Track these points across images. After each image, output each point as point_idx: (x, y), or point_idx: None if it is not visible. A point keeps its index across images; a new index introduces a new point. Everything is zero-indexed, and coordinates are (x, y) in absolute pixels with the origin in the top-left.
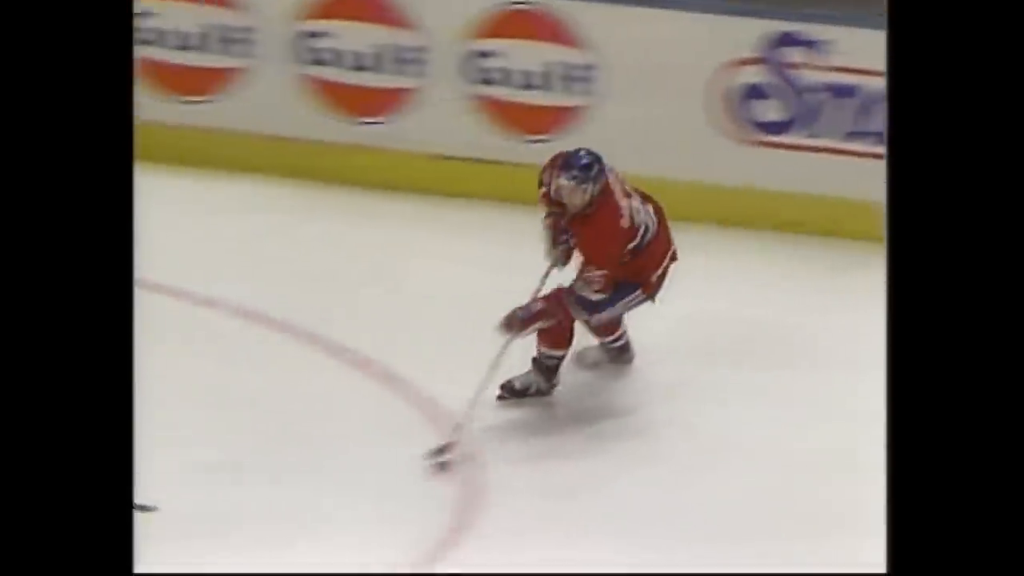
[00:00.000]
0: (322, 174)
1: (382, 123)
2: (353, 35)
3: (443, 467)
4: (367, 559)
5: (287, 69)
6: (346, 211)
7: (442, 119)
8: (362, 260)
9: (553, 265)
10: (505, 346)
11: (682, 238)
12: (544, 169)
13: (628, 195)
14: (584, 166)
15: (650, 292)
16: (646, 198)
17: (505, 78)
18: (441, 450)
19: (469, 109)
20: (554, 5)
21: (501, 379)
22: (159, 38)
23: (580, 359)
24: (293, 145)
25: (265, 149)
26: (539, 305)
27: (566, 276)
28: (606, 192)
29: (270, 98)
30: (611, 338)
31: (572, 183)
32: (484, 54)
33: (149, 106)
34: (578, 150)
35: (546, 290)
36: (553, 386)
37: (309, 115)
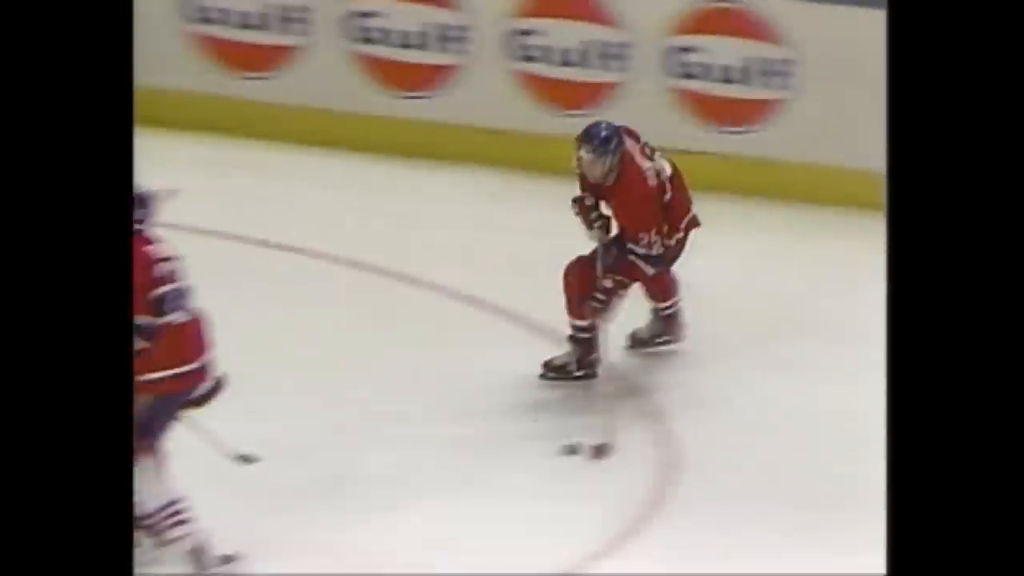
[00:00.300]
0: (535, 165)
1: (587, 115)
2: (562, 32)
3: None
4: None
5: (501, 65)
6: (555, 199)
7: (644, 112)
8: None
9: (600, 242)
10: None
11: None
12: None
13: (648, 157)
14: (604, 139)
15: (669, 254)
16: (667, 162)
17: (705, 72)
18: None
19: (669, 102)
20: (753, 3)
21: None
22: (384, 37)
23: (634, 338)
24: (505, 137)
25: (480, 141)
26: (609, 281)
27: None
28: (626, 160)
29: (485, 93)
30: (665, 304)
31: (591, 156)
32: (685, 49)
33: (375, 101)
34: (598, 122)
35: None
36: (595, 363)
37: (522, 108)
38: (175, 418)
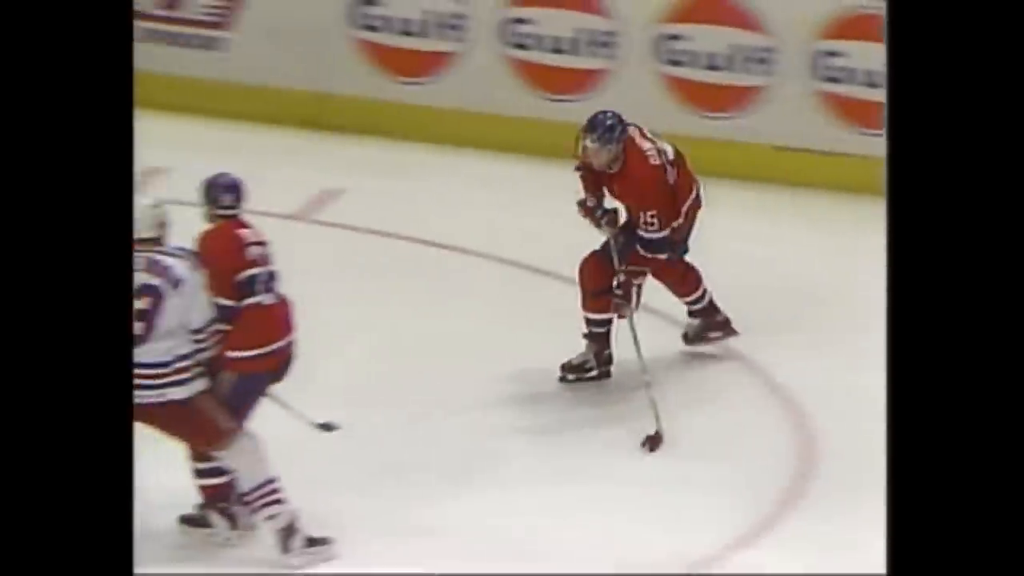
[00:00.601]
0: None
1: (732, 118)
2: (707, 37)
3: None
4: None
5: (649, 68)
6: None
7: (787, 114)
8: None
9: (610, 235)
10: (633, 323)
11: None
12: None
13: (649, 139)
14: (608, 127)
15: (673, 235)
16: (670, 147)
17: (849, 76)
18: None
19: (814, 105)
20: None
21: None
22: (537, 42)
23: (686, 337)
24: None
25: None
26: (623, 276)
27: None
28: (628, 144)
29: (632, 96)
30: (690, 298)
31: (596, 144)
32: (831, 54)
33: (528, 104)
34: (602, 111)
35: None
36: (609, 360)
37: (668, 111)
38: (261, 397)
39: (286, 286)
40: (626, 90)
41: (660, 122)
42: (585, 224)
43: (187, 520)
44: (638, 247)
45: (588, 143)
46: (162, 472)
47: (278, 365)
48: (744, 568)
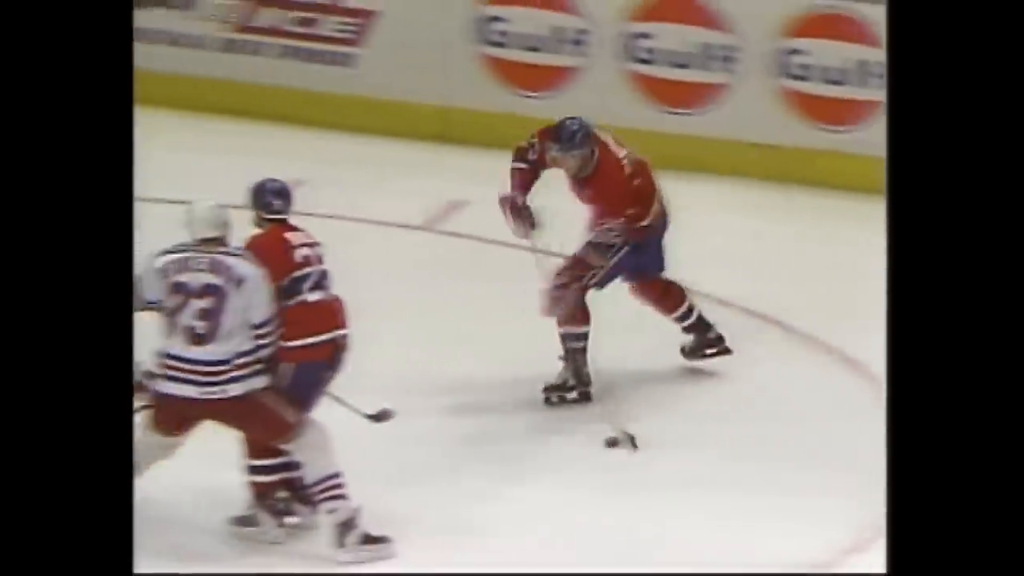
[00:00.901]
0: (797, 177)
1: (852, 131)
2: (828, 52)
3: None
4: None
5: (768, 82)
6: (817, 211)
7: (750, 110)
8: (827, 255)
9: (525, 236)
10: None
11: None
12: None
13: (622, 146)
14: (570, 135)
15: (634, 236)
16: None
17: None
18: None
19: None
20: None
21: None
22: (656, 57)
23: (684, 351)
24: (771, 151)
25: (745, 154)
26: (564, 277)
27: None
28: (603, 150)
29: (751, 109)
30: (678, 312)
31: (560, 154)
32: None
33: (648, 117)
34: (566, 119)
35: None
36: (588, 382)
37: (788, 124)
38: (319, 390)
39: (412, 293)
40: (746, 102)
41: (777, 135)
42: (692, 233)
43: (238, 520)
44: (591, 249)
45: (555, 153)
46: (211, 472)
47: (332, 354)
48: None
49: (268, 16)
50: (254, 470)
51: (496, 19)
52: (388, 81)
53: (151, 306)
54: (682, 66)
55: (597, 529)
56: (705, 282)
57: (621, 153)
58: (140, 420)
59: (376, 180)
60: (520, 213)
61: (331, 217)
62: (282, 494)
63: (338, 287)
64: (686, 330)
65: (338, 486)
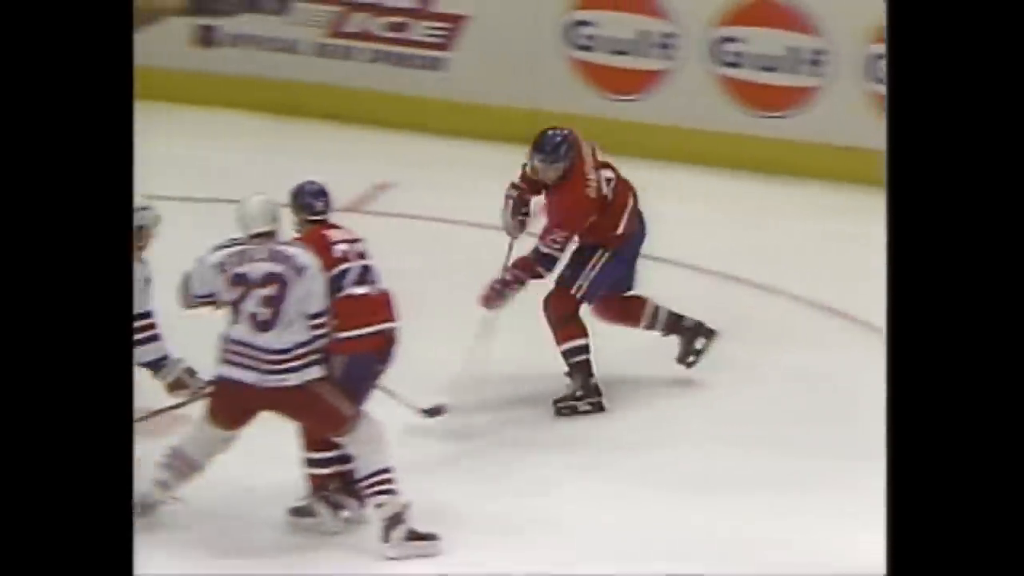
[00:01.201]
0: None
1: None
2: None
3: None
4: None
5: (859, 87)
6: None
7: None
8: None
9: (511, 235)
10: (491, 319)
11: None
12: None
13: (599, 167)
14: (554, 146)
15: (614, 246)
16: (609, 168)
17: (747, 61)
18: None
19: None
20: None
21: (494, 347)
22: (746, 61)
23: (680, 360)
24: (857, 154)
25: (833, 158)
26: (510, 274)
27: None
28: (576, 165)
29: (841, 113)
30: (645, 322)
31: (543, 164)
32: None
33: (737, 120)
34: (549, 130)
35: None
36: (598, 392)
37: (874, 127)
38: (370, 383)
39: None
40: (837, 106)
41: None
42: (778, 235)
43: (295, 511)
44: (534, 258)
45: (537, 162)
46: (270, 468)
47: (381, 347)
48: None
49: (360, 21)
50: (311, 463)
51: (584, 23)
52: (477, 85)
53: (201, 300)
54: (770, 70)
55: (648, 527)
56: (794, 286)
57: (591, 175)
58: (196, 414)
59: (466, 182)
60: (515, 210)
61: (422, 219)
62: (334, 486)
63: (428, 287)
64: (667, 333)
65: (388, 481)
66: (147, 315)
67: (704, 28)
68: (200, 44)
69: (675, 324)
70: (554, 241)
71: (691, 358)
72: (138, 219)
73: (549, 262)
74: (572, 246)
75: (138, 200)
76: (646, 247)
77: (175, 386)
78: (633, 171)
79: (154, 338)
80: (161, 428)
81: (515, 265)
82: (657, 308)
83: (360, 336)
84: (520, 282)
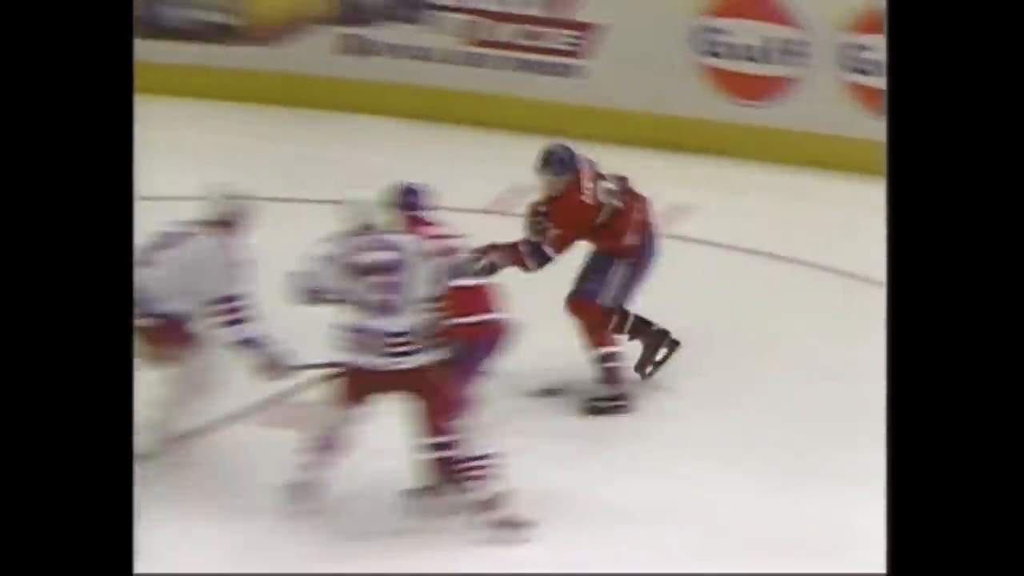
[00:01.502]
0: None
1: None
2: None
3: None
4: None
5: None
6: None
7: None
8: None
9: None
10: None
11: None
12: None
13: (598, 178)
14: (556, 161)
15: (629, 257)
16: (617, 180)
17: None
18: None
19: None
20: None
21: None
22: (873, 68)
23: (637, 370)
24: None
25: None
26: (495, 253)
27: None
28: (575, 177)
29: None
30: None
31: (548, 178)
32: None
33: (867, 126)
34: (552, 146)
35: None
36: (622, 392)
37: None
38: (480, 368)
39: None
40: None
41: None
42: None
43: (412, 493)
44: (524, 248)
45: (542, 177)
46: (380, 456)
47: (489, 335)
48: None
49: (501, 30)
50: (428, 447)
51: (715, 30)
52: (612, 91)
53: (315, 295)
54: None
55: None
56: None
57: (588, 185)
58: (324, 396)
59: None
60: (532, 222)
61: None
62: (438, 468)
63: (563, 284)
64: (632, 337)
65: (489, 466)
66: (234, 298)
67: (835, 35)
68: (348, 52)
69: (642, 329)
70: (550, 239)
71: (649, 368)
72: (229, 207)
73: (540, 257)
74: (584, 253)
75: (229, 191)
76: (782, 251)
77: (272, 370)
78: (755, 174)
79: (240, 320)
80: (285, 420)
81: (507, 246)
82: (627, 313)
83: (473, 323)
84: (503, 261)
